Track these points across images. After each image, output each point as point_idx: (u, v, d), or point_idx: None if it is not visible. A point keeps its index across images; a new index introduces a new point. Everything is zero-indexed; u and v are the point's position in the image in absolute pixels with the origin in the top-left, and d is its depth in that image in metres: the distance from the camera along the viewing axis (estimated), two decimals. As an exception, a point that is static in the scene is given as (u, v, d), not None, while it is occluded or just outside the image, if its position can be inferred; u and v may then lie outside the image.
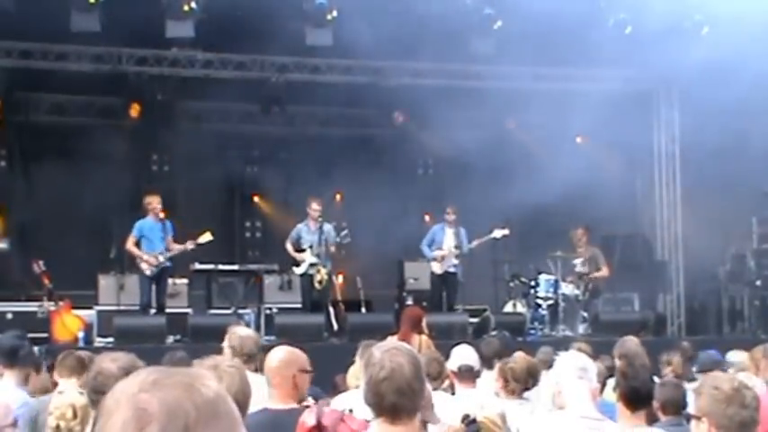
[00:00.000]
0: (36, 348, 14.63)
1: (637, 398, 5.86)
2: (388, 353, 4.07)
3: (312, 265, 16.73)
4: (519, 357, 8.44)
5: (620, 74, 20.24)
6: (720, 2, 16.99)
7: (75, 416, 5.30)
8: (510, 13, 17.69)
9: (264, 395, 5.82)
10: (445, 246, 17.56)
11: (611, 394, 6.83)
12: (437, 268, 17.64)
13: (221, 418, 1.82)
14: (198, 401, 1.79)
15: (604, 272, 18.03)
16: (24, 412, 6.90)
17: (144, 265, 16.06)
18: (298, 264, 16.96)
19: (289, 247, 17.04)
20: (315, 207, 16.89)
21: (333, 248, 16.89)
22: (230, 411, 1.85)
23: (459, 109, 20.68)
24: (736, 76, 16.08)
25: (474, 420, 4.90)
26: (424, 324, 12.72)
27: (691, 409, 7.58)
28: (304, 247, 16.84)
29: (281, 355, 5.85)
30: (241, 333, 7.08)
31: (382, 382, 3.92)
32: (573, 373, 5.60)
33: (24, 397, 7.34)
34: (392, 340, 11.17)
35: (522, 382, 7.81)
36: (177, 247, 16.12)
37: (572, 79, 20.32)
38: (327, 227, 17.00)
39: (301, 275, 17.05)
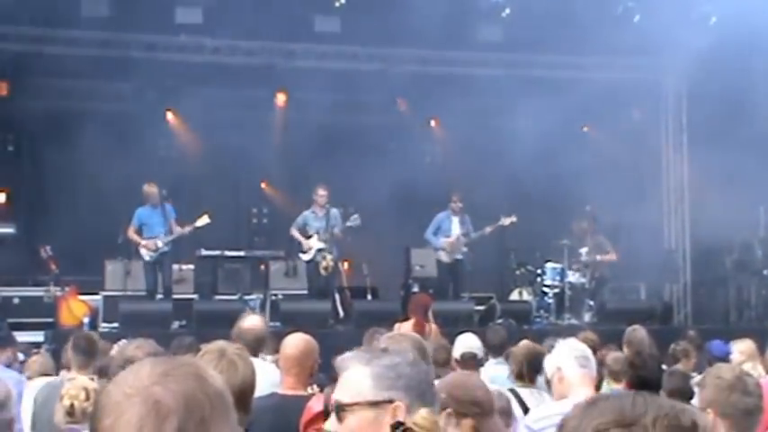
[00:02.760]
0: (42, 333, 14.81)
1: (645, 387, 5.84)
2: (393, 339, 4.11)
3: (319, 250, 16.74)
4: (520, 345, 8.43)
5: (629, 62, 20.21)
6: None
7: (87, 398, 5.40)
8: (518, 1, 17.67)
9: (269, 381, 5.84)
10: (453, 234, 17.54)
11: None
12: (445, 257, 17.60)
13: (229, 408, 1.83)
14: (210, 392, 1.79)
15: (612, 255, 17.98)
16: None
17: (143, 251, 16.23)
18: (304, 250, 16.96)
19: (295, 232, 17.06)
20: (321, 193, 16.91)
21: (340, 234, 16.90)
22: (231, 402, 1.86)
23: (467, 96, 20.65)
24: (744, 65, 16.06)
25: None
26: (429, 312, 12.70)
27: (695, 402, 7.60)
28: (311, 233, 16.86)
29: (301, 344, 5.86)
30: (255, 326, 7.05)
31: None
32: (576, 361, 5.59)
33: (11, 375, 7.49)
34: (403, 327, 11.18)
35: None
36: (177, 231, 16.21)
37: (580, 67, 20.27)
38: (334, 212, 17.03)
39: (308, 262, 17.06)
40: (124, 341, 6.87)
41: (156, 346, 5.18)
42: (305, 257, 17.05)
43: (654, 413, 1.67)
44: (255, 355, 6.47)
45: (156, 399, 1.73)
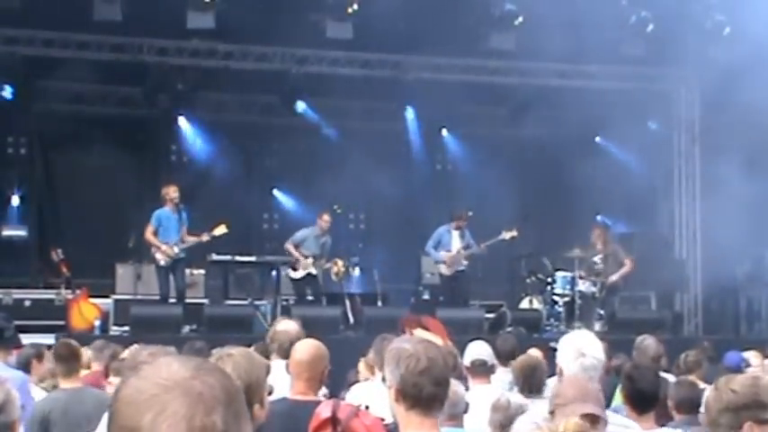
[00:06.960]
0: (53, 336, 14.82)
1: (643, 400, 5.75)
2: (422, 345, 4.13)
3: (310, 275, 16.84)
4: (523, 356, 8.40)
5: (642, 72, 20.18)
6: (742, 1, 16.94)
7: None
8: (531, 10, 17.65)
9: (280, 386, 5.86)
10: (453, 248, 17.41)
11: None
12: (446, 270, 17.50)
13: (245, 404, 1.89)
14: (237, 387, 1.86)
15: (628, 266, 17.66)
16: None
17: (159, 255, 16.03)
18: (296, 268, 17.02)
19: (291, 248, 17.12)
20: (326, 219, 17.12)
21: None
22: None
23: (478, 104, 20.65)
24: (757, 75, 16.02)
25: None
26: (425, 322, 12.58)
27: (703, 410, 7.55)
28: (306, 253, 16.93)
29: (312, 350, 5.88)
30: (288, 330, 7.19)
31: (421, 373, 3.97)
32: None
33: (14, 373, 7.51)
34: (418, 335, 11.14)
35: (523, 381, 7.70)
36: (192, 239, 16.10)
37: (593, 76, 20.25)
38: (329, 242, 17.36)
39: (297, 280, 17.15)
40: (136, 346, 6.83)
41: (167, 349, 5.17)
42: (294, 275, 17.12)
43: None
44: (287, 358, 6.45)
45: (199, 391, 1.76)
